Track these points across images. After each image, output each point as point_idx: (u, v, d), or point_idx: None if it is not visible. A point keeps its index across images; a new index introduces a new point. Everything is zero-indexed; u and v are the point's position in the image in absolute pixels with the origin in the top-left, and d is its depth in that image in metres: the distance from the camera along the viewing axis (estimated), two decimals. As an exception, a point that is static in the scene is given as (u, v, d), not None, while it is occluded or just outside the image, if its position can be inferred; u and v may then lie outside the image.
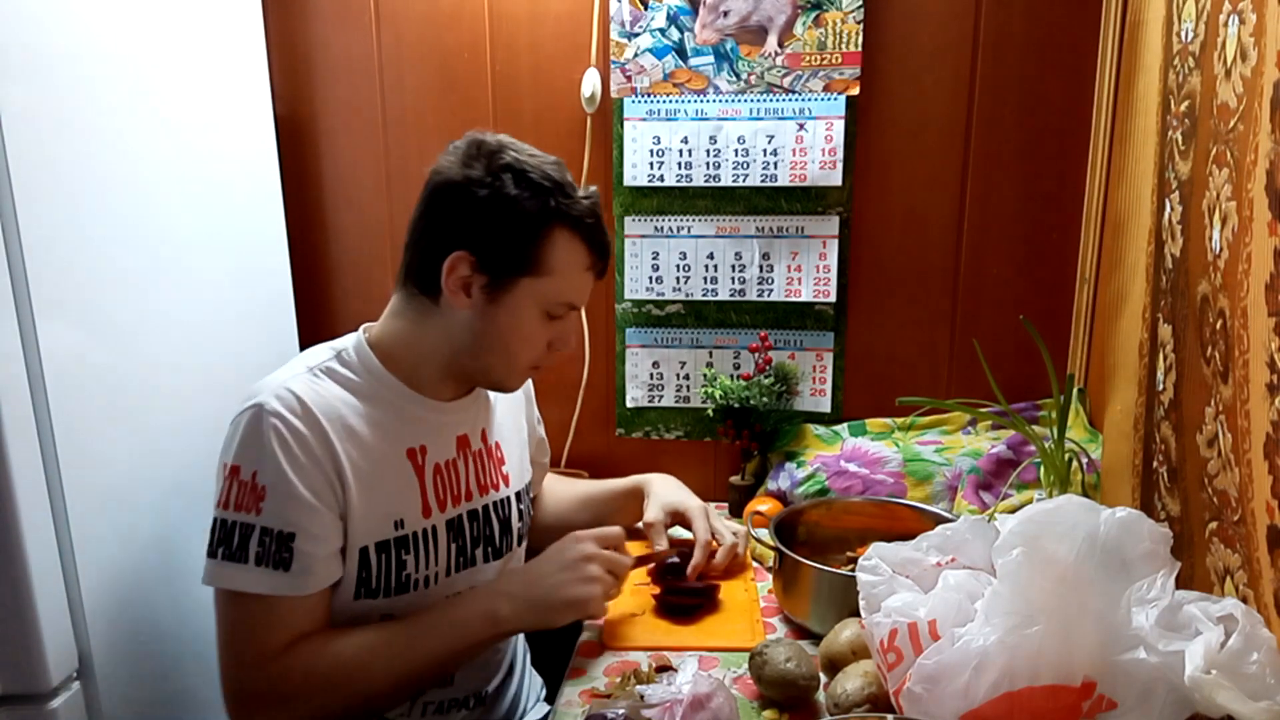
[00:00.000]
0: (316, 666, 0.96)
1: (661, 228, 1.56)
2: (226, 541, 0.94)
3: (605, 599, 1.05)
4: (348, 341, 1.07)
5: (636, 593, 1.23)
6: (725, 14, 1.46)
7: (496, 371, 1.08)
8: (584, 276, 1.05)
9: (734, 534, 1.28)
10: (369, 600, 1.03)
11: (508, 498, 1.17)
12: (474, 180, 0.99)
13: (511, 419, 1.23)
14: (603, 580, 1.04)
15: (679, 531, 1.31)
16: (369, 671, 0.97)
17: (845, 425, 1.58)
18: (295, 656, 0.95)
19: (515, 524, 1.19)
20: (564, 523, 1.33)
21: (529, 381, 1.31)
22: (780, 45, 1.46)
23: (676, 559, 1.22)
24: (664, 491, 1.31)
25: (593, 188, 1.07)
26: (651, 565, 1.24)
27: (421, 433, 1.07)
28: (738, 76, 1.48)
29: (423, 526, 1.06)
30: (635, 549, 1.22)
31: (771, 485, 1.55)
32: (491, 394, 1.18)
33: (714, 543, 1.26)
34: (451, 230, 1.00)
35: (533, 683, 1.31)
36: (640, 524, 1.29)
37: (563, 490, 1.40)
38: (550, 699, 1.28)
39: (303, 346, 1.55)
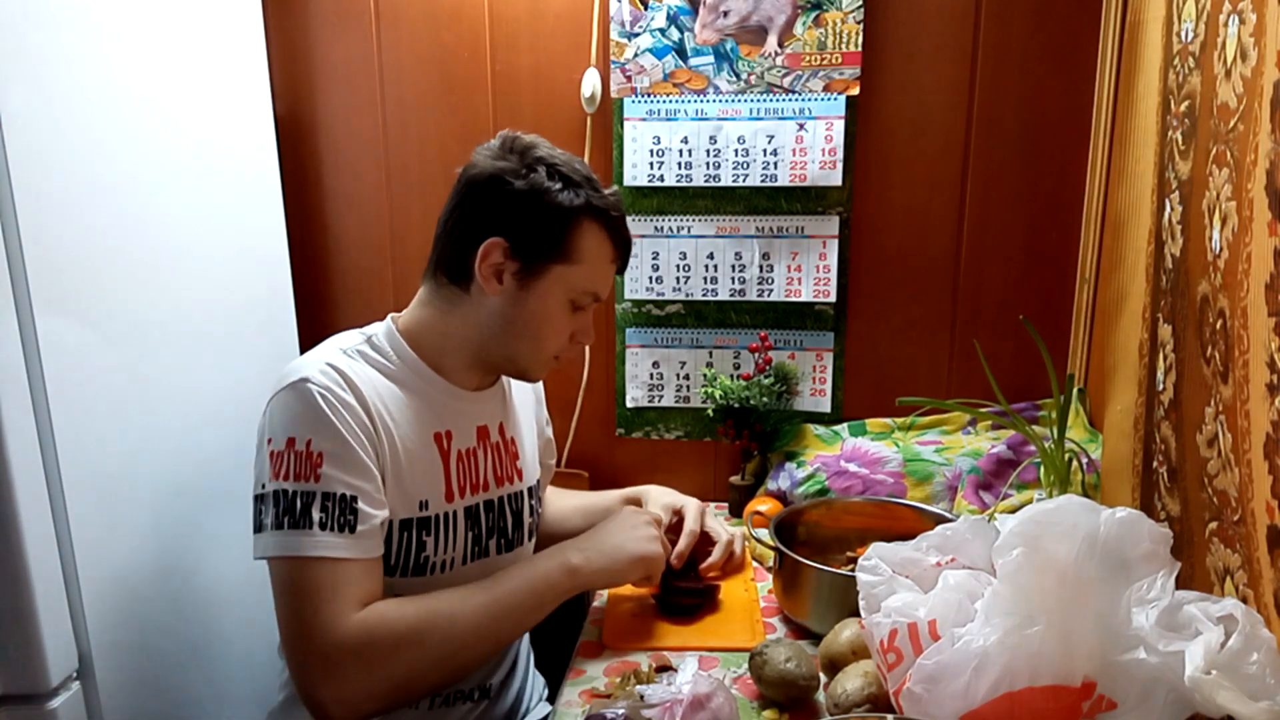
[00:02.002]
0: (400, 621, 0.94)
1: (661, 228, 1.56)
2: (290, 511, 0.93)
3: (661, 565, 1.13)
4: (378, 328, 1.10)
5: (636, 593, 1.23)
6: (725, 14, 1.46)
7: (523, 359, 1.11)
8: (609, 268, 1.11)
9: (729, 534, 1.29)
10: (386, 578, 1.03)
11: (521, 492, 1.19)
12: (508, 171, 1.03)
13: (525, 417, 1.25)
14: (665, 545, 1.13)
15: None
16: (453, 623, 0.97)
17: (845, 425, 1.58)
18: (374, 614, 0.94)
19: (527, 519, 1.20)
20: (560, 531, 1.34)
21: (541, 385, 1.32)
22: (780, 45, 1.46)
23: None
24: (661, 495, 1.33)
25: (614, 187, 1.11)
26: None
27: (447, 418, 1.09)
28: (738, 76, 1.48)
29: (444, 510, 1.08)
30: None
31: (771, 485, 1.55)
32: (508, 390, 1.20)
33: (700, 536, 1.27)
34: (486, 219, 1.04)
35: (535, 683, 1.32)
36: None
37: (560, 500, 1.41)
38: (551, 699, 1.28)
39: (303, 347, 1.55)
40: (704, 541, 1.27)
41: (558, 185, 1.03)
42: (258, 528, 0.95)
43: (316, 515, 0.93)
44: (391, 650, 0.93)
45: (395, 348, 1.08)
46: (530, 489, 1.21)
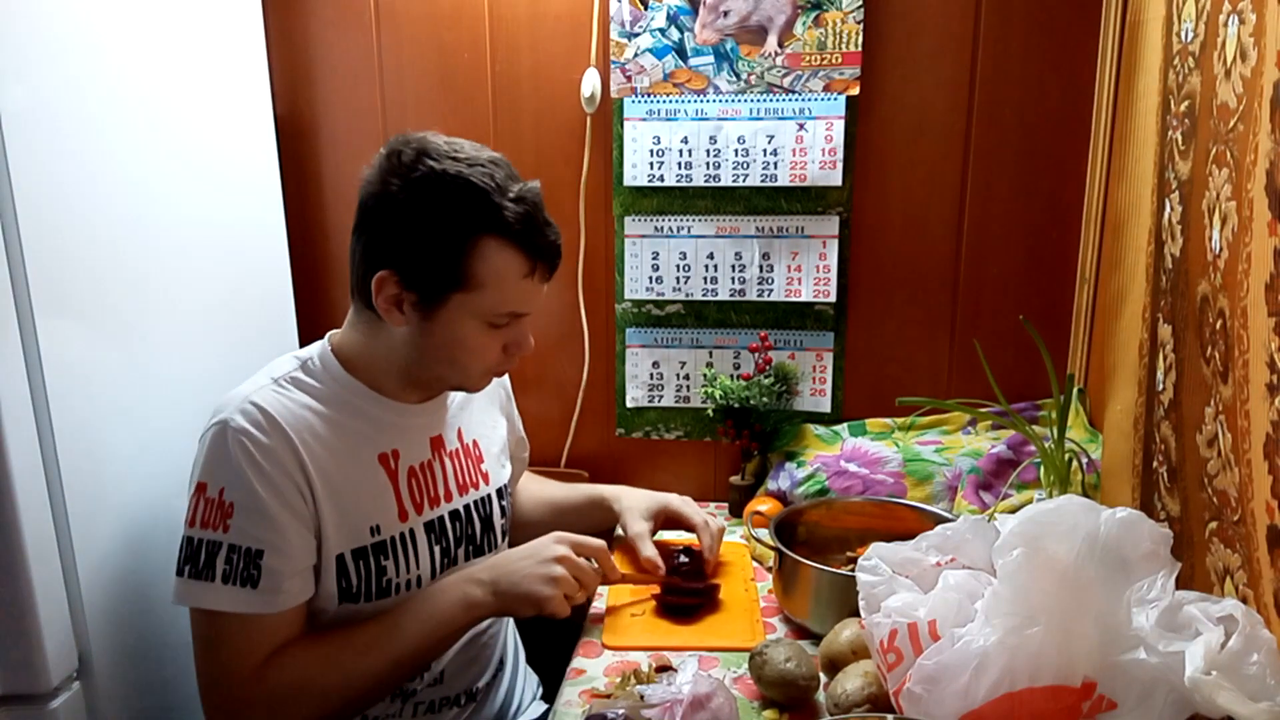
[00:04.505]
0: (299, 674, 0.96)
1: (661, 228, 1.56)
2: (194, 560, 0.94)
3: (566, 602, 1.04)
4: (313, 350, 1.07)
5: (636, 593, 1.23)
6: (725, 14, 1.46)
7: (452, 379, 1.08)
8: (522, 285, 1.00)
9: (702, 517, 1.28)
10: (351, 605, 1.03)
11: (488, 495, 1.17)
12: (392, 196, 0.96)
13: (488, 416, 1.23)
14: (565, 584, 1.03)
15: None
16: (352, 671, 0.98)
17: (845, 425, 1.58)
18: (274, 668, 0.96)
19: (498, 521, 1.19)
20: (524, 523, 1.33)
21: (507, 378, 1.31)
22: (780, 45, 1.46)
23: (685, 559, 1.22)
24: (636, 501, 1.30)
25: (532, 183, 1.00)
26: (659, 570, 1.22)
27: (392, 437, 1.06)
28: (738, 76, 1.48)
29: (400, 531, 1.05)
30: (621, 560, 1.23)
31: (771, 485, 1.55)
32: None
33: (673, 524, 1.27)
34: (376, 248, 0.98)
35: (528, 680, 1.31)
36: (618, 533, 1.30)
37: (532, 489, 1.40)
38: (548, 698, 1.28)
39: (303, 346, 1.55)
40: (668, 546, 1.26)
41: (444, 207, 0.94)
42: (177, 570, 0.96)
43: (220, 567, 0.93)
44: (292, 700, 0.96)
45: (330, 370, 1.04)
46: (499, 490, 1.20)
